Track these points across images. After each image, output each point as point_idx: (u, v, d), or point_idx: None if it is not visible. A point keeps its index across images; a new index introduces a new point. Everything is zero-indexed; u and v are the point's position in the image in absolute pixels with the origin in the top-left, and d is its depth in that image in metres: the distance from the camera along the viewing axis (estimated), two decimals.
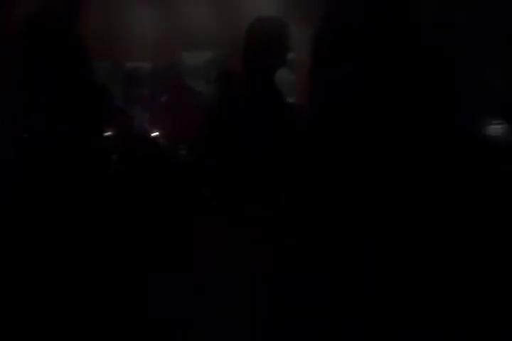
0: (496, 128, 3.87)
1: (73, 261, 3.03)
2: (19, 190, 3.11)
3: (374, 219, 2.61)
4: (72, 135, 3.52)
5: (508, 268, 2.51)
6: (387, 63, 2.72)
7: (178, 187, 3.97)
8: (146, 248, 3.27)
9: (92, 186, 3.46)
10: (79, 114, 3.67)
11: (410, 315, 2.54)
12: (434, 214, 2.57)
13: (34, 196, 3.23)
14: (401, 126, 2.64)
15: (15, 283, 2.87)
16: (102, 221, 3.28)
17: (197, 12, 5.57)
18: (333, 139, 2.76)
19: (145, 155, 4.76)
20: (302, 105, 4.40)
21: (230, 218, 2.68)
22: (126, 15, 5.50)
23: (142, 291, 3.01)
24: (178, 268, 3.01)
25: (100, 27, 4.74)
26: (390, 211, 2.63)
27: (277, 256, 2.63)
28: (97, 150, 3.87)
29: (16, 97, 3.44)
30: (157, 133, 5.01)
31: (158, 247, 3.28)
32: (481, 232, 2.57)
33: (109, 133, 4.48)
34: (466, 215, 2.60)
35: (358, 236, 2.61)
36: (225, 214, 2.71)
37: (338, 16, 3.03)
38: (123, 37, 5.41)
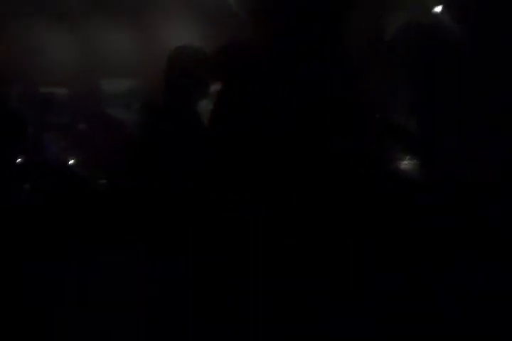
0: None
1: None
2: None
3: None
4: None
5: None
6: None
7: (95, 215, 3.86)
8: None
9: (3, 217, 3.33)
10: None
11: None
12: None
13: None
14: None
15: None
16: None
17: (118, 39, 5.52)
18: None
19: (60, 185, 4.59)
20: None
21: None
22: (44, 39, 5.36)
23: None
24: None
25: (16, 50, 4.60)
26: None
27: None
28: (9, 179, 3.72)
29: None
30: (73, 162, 4.85)
31: None
32: None
33: (21, 161, 4.30)
34: None
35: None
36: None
37: None
38: (39, 61, 5.25)
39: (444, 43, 4.87)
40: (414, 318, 2.58)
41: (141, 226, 3.08)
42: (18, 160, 4.20)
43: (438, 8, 5.33)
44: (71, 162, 4.82)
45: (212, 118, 3.50)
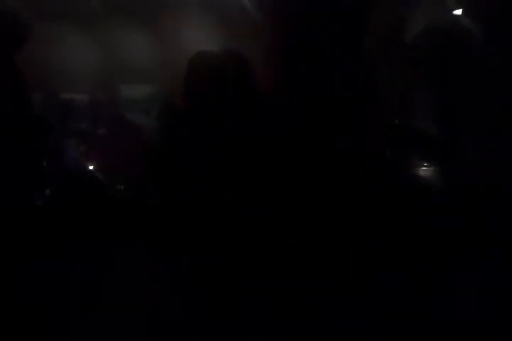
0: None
1: None
2: None
3: None
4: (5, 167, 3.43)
5: None
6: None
7: (114, 220, 3.88)
8: None
9: (22, 219, 3.36)
10: (16, 144, 3.58)
11: None
12: None
13: None
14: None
15: None
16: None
17: (136, 45, 5.58)
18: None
19: (80, 189, 4.64)
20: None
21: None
22: (63, 46, 5.45)
23: None
24: None
25: (36, 58, 4.67)
26: None
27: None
28: (29, 182, 3.76)
29: None
30: (92, 167, 4.90)
31: None
32: None
33: (42, 166, 4.35)
34: None
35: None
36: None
37: None
38: (59, 67, 5.34)
39: (463, 46, 4.83)
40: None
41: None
42: (40, 164, 4.25)
43: (458, 11, 5.28)
44: (90, 167, 4.88)
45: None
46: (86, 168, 4.93)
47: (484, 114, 4.37)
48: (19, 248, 3.06)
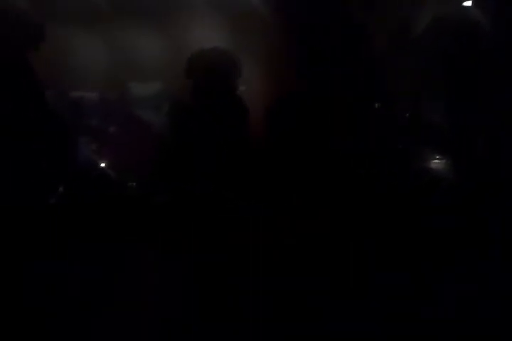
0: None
1: None
2: None
3: None
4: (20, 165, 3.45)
5: None
6: None
7: (127, 217, 3.88)
8: None
9: (36, 217, 3.37)
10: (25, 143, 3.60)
11: None
12: None
13: None
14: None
15: None
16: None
17: (146, 42, 5.59)
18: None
19: (93, 187, 4.66)
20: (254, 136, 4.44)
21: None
22: (73, 44, 5.46)
23: None
24: None
25: (48, 56, 4.69)
26: None
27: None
28: (42, 183, 3.78)
29: None
30: (104, 165, 4.92)
31: None
32: None
33: (54, 164, 4.37)
34: None
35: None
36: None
37: None
38: (68, 66, 5.35)
39: (473, 38, 4.78)
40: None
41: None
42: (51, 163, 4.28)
43: (468, 3, 5.24)
44: (102, 165, 4.89)
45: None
46: (98, 165, 4.95)
47: (486, 112, 4.33)
48: (24, 248, 3.09)
